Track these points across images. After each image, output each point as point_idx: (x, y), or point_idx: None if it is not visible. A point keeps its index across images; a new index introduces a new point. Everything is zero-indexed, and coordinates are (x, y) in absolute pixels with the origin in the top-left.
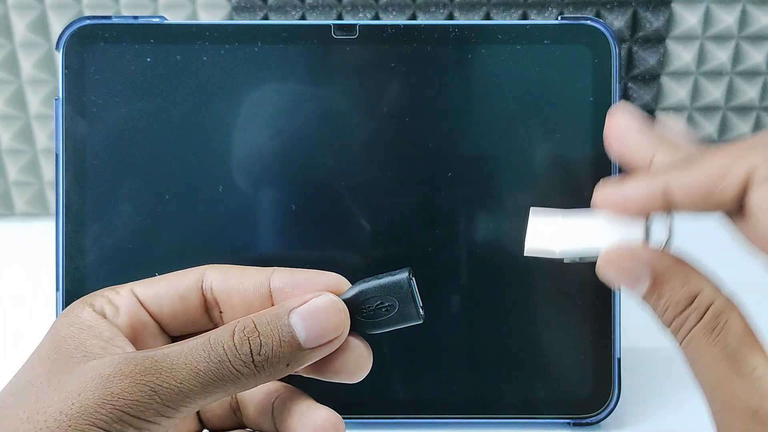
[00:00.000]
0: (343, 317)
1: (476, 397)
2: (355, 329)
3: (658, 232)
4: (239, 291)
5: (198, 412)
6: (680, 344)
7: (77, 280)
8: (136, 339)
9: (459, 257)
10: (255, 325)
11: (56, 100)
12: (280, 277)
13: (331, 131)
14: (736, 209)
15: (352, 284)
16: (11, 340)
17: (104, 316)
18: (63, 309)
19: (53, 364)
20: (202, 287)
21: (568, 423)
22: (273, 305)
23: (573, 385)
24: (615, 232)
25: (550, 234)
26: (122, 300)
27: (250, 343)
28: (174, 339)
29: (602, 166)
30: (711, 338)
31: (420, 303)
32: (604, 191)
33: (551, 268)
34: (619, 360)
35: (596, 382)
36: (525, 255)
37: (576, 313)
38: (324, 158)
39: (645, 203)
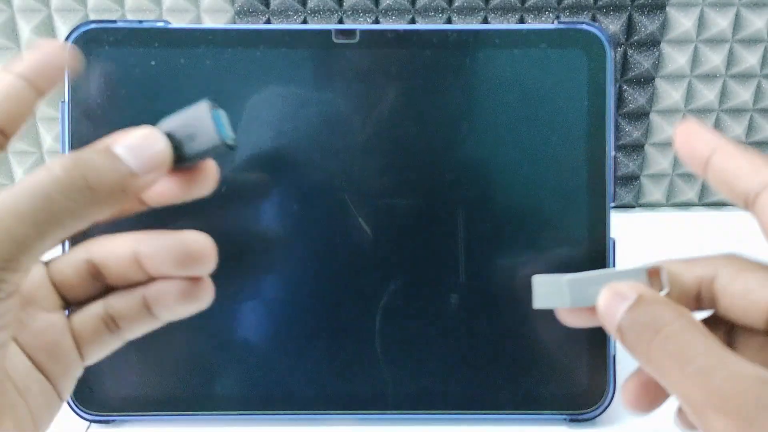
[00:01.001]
0: (161, 138)
1: (473, 393)
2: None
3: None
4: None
5: (56, 289)
6: (656, 340)
7: None
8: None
9: (457, 256)
10: (75, 159)
11: (62, 102)
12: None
13: (332, 134)
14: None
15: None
16: None
17: None
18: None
19: None
20: None
21: (565, 418)
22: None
23: (569, 381)
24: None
25: (556, 292)
26: None
27: (76, 174)
28: None
29: (597, 167)
30: (698, 332)
31: (224, 128)
32: (686, 123)
33: (547, 265)
34: (615, 356)
35: (592, 378)
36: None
37: None
38: (325, 160)
39: (705, 145)
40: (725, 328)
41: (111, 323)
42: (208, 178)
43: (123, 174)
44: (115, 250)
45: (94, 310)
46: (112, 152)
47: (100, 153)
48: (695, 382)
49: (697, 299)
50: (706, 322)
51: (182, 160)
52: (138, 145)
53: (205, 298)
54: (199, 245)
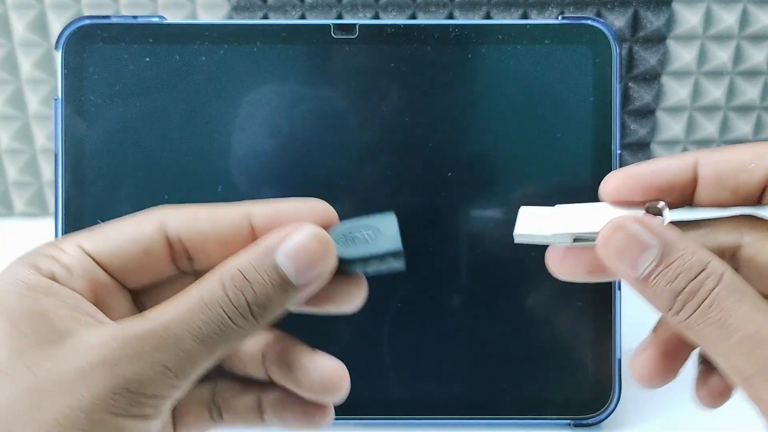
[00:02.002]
0: (329, 248)
1: (477, 398)
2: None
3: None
4: (216, 236)
5: None
6: (697, 310)
7: None
8: (97, 302)
9: (459, 257)
10: (243, 274)
11: (55, 99)
12: (261, 212)
13: (330, 131)
14: (756, 198)
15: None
16: None
17: (55, 279)
18: None
19: (20, 345)
20: (167, 237)
21: (569, 423)
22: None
23: (574, 385)
24: (613, 214)
25: (542, 220)
26: (72, 259)
27: (244, 295)
28: (132, 292)
29: (602, 167)
30: (739, 294)
31: (401, 244)
32: (630, 166)
33: None
34: (620, 361)
35: (597, 382)
36: (516, 242)
37: (577, 313)
38: (323, 158)
39: (673, 176)
40: None
41: (215, 412)
42: (361, 295)
43: (284, 291)
44: (244, 345)
45: (202, 394)
46: (274, 264)
47: (261, 265)
48: (742, 352)
49: None
50: None
51: (346, 265)
52: (301, 253)
53: (325, 426)
54: (337, 377)
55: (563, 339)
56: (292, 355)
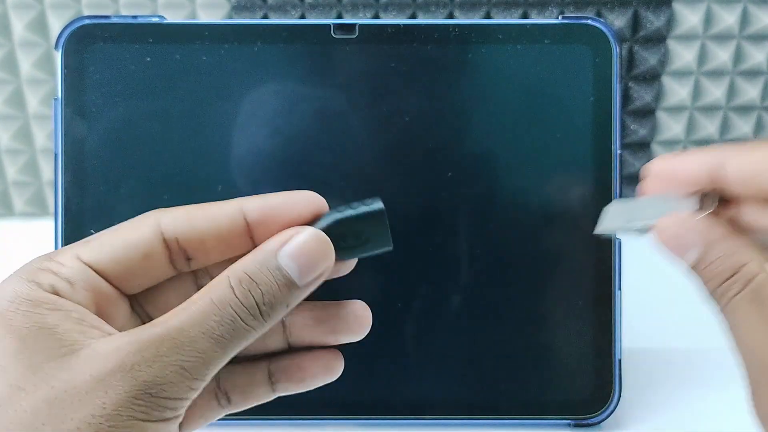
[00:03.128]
0: (328, 248)
1: (476, 398)
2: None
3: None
4: (213, 234)
5: None
6: (722, 309)
7: None
8: (100, 312)
9: (459, 258)
10: (249, 275)
11: (55, 100)
12: (254, 206)
13: (330, 131)
14: None
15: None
16: None
17: (57, 293)
18: None
19: (33, 362)
20: (164, 240)
21: (569, 423)
22: (251, 239)
23: (574, 385)
24: (670, 206)
25: (617, 216)
26: (72, 271)
27: (252, 295)
28: (131, 299)
29: (602, 166)
30: (753, 305)
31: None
32: (657, 161)
33: (552, 268)
34: (620, 361)
35: (597, 382)
36: (595, 233)
37: (576, 313)
38: (324, 158)
39: (696, 175)
40: None
41: (222, 398)
42: (350, 267)
43: (288, 290)
44: None
45: (207, 384)
46: (277, 265)
47: (265, 266)
48: (743, 360)
49: None
50: None
51: (338, 255)
52: (303, 254)
53: (340, 370)
54: (365, 315)
55: (563, 339)
56: (318, 310)
